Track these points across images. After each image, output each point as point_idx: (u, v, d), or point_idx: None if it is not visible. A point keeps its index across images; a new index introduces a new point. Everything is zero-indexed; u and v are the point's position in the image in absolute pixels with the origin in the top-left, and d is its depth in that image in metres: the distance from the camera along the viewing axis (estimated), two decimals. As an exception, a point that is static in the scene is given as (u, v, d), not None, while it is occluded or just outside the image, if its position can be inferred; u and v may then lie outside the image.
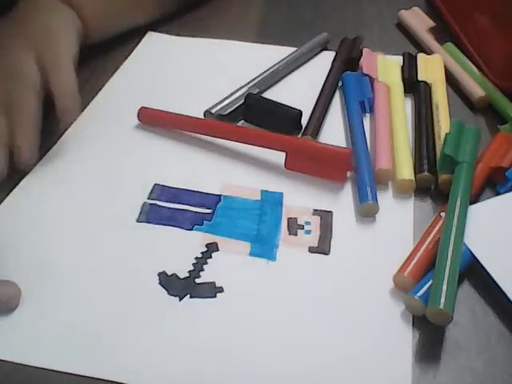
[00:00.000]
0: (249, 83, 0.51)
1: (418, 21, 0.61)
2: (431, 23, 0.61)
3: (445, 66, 0.54)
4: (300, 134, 0.47)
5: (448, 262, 0.35)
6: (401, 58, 0.56)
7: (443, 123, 0.47)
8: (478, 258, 0.36)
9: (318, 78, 0.53)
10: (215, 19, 0.64)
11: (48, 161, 0.45)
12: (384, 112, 0.49)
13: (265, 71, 0.53)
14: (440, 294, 0.33)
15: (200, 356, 0.33)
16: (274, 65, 0.54)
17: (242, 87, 0.51)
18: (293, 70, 0.56)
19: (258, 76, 0.53)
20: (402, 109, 0.49)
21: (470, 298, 0.36)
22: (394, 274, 0.36)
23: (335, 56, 0.56)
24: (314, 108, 0.49)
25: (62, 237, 0.39)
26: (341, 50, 0.57)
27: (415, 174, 0.43)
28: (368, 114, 0.50)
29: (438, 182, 0.43)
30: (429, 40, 0.59)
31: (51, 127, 0.46)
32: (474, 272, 0.37)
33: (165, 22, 0.61)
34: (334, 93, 0.52)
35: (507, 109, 0.50)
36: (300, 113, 0.48)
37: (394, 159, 0.44)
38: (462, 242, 0.36)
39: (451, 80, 0.54)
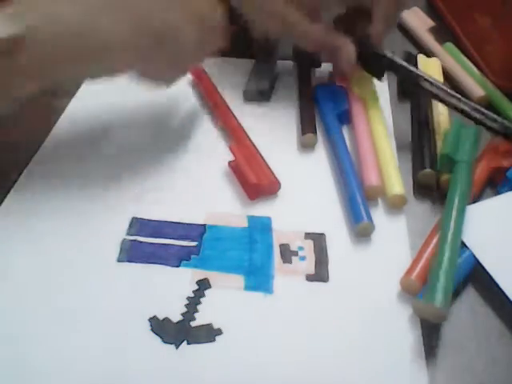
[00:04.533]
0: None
1: (418, 21, 0.61)
2: (431, 23, 0.60)
3: (445, 66, 0.54)
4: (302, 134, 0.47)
5: (445, 258, 0.34)
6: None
7: (443, 123, 0.47)
8: (478, 257, 0.36)
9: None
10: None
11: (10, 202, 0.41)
12: (364, 125, 0.47)
13: None
14: (435, 291, 0.33)
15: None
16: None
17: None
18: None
19: None
20: (382, 120, 0.48)
21: (470, 298, 0.36)
22: (400, 278, 0.36)
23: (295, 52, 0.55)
24: (301, 104, 0.49)
25: (36, 293, 0.36)
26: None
27: (416, 172, 0.43)
28: (345, 126, 0.48)
29: (438, 181, 0.43)
30: (429, 40, 0.58)
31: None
32: (474, 272, 0.36)
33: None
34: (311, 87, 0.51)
35: (507, 109, 0.49)
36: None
37: (381, 174, 0.43)
38: (460, 241, 0.36)
39: (451, 80, 0.53)
